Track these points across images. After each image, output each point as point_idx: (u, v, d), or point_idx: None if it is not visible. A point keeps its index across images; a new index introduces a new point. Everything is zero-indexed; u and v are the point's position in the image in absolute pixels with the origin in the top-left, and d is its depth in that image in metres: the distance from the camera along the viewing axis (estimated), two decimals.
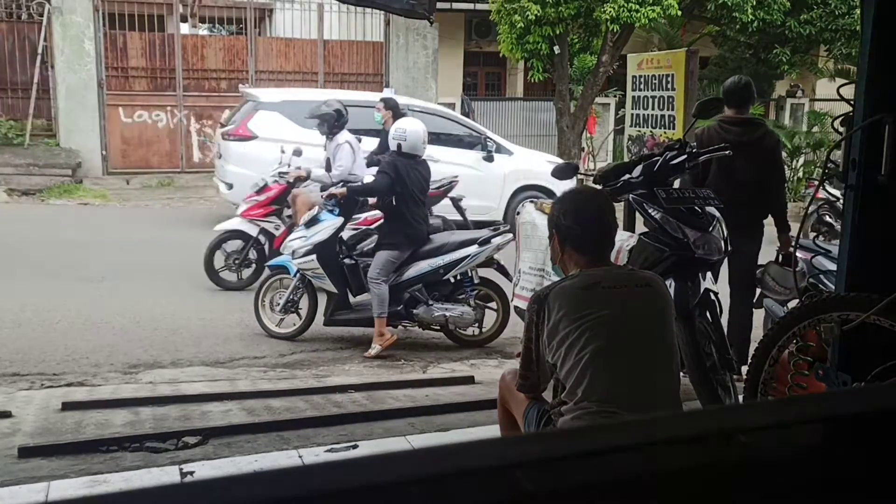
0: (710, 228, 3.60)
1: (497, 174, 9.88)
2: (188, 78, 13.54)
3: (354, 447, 3.52)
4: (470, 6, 16.61)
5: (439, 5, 8.36)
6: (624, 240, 3.84)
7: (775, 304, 4.29)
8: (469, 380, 4.84)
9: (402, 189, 5.20)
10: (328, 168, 6.93)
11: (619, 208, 4.54)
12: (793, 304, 3.82)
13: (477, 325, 5.54)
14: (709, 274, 3.78)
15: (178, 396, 4.25)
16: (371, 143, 7.71)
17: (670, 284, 3.47)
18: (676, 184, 4.02)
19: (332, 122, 6.93)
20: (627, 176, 3.79)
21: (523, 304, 4.10)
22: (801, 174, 13.43)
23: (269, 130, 8.93)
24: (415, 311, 5.37)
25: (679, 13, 13.03)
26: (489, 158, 9.86)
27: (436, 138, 9.78)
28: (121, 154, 13.27)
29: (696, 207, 3.64)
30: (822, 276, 4.02)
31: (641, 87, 5.74)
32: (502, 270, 5.47)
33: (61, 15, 12.60)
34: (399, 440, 3.68)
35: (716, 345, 3.69)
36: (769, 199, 4.54)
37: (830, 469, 0.88)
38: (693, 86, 5.32)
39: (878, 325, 2.44)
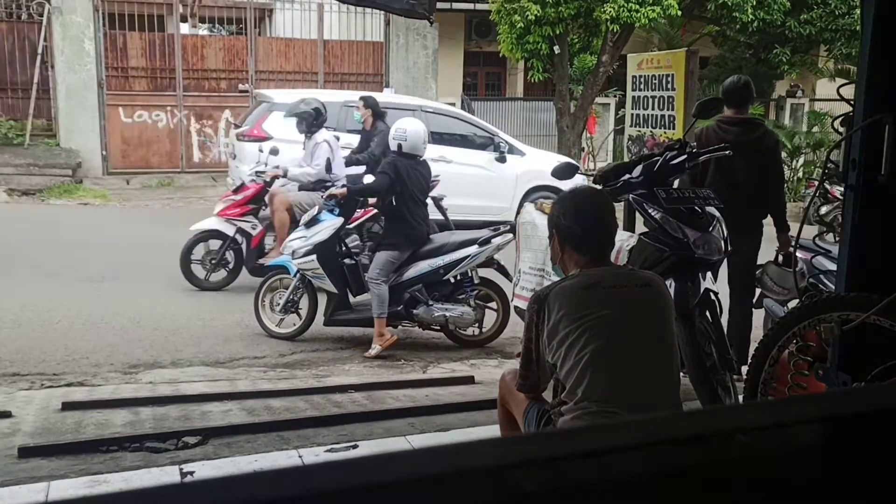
0: (710, 228, 3.60)
1: (509, 175, 9.89)
2: (188, 78, 13.54)
3: (354, 447, 3.52)
4: (470, 6, 16.61)
5: (439, 5, 8.37)
6: (624, 240, 3.84)
7: (775, 304, 4.29)
8: (469, 380, 4.84)
9: (403, 189, 5.20)
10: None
11: (619, 208, 4.54)
12: (793, 304, 3.83)
13: (477, 325, 5.54)
14: (709, 274, 3.78)
15: (178, 396, 4.25)
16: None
17: (670, 284, 3.47)
18: (676, 184, 4.02)
19: (311, 121, 6.88)
20: (627, 176, 3.78)
21: (523, 304, 4.10)
22: (801, 174, 13.44)
23: (283, 131, 8.95)
24: (415, 311, 5.37)
25: (679, 13, 13.03)
26: (502, 159, 9.86)
27: (448, 139, 9.85)
28: (121, 154, 13.27)
29: (696, 207, 3.64)
30: (822, 276, 4.02)
31: (641, 87, 5.74)
32: (502, 270, 5.47)
33: (61, 15, 12.60)
34: (399, 440, 3.68)
35: (716, 345, 3.69)
36: (768, 199, 4.54)
37: (830, 469, 0.88)
38: (693, 86, 5.32)
39: (878, 325, 2.44)
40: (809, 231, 3.06)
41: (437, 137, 9.75)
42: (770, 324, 3.81)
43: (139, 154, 13.37)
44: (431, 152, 9.43)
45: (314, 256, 5.38)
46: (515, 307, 4.68)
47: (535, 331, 2.45)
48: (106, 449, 3.40)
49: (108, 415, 3.94)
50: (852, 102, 2.69)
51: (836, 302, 2.62)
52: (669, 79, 5.39)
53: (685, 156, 3.80)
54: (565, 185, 8.59)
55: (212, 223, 6.76)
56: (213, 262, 6.75)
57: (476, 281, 5.47)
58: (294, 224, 6.73)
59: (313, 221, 5.51)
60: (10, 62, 13.07)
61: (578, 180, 4.61)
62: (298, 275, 5.49)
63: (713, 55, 16.97)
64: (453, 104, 14.30)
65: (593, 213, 2.51)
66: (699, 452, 0.81)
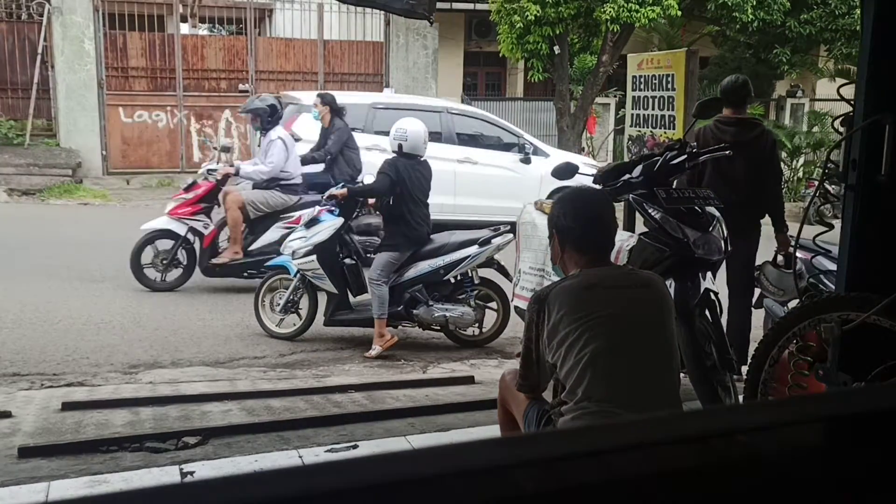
0: (710, 228, 3.60)
1: (534, 176, 9.90)
2: (188, 78, 13.54)
3: (354, 447, 3.52)
4: (470, 6, 16.61)
5: (439, 5, 8.37)
6: (624, 240, 3.84)
7: (775, 304, 4.29)
8: (469, 380, 4.84)
9: (403, 190, 5.20)
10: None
11: (619, 208, 4.54)
12: (793, 303, 3.82)
13: (477, 325, 5.54)
14: (709, 274, 3.78)
15: (178, 396, 4.25)
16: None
17: (670, 284, 3.47)
18: (675, 184, 4.02)
19: (266, 118, 6.76)
20: (627, 176, 3.78)
21: (523, 304, 4.10)
22: (801, 174, 13.43)
23: (313, 132, 8.97)
24: (415, 311, 5.37)
25: (679, 13, 13.03)
26: (526, 160, 9.87)
27: (473, 141, 9.89)
28: (121, 154, 13.27)
29: (696, 207, 3.64)
30: (822, 276, 4.02)
31: (641, 87, 5.74)
32: (502, 271, 5.47)
33: (61, 15, 12.61)
34: (399, 440, 3.68)
35: (716, 345, 3.69)
36: (766, 198, 4.54)
37: (830, 469, 0.88)
38: (693, 86, 5.32)
39: (878, 325, 2.44)
40: (810, 231, 3.04)
41: (463, 139, 9.83)
42: (770, 324, 3.81)
43: (139, 154, 13.38)
44: (457, 153, 9.56)
45: (314, 257, 5.38)
46: (515, 307, 4.68)
47: (535, 331, 2.45)
48: (106, 449, 3.40)
49: (108, 415, 3.94)
50: (852, 102, 2.69)
51: (836, 302, 2.62)
52: (669, 79, 5.39)
53: (685, 156, 3.80)
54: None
55: (162, 223, 6.63)
56: (165, 262, 6.62)
57: (476, 281, 5.47)
58: (247, 223, 6.68)
59: (313, 222, 5.51)
60: (10, 62, 13.07)
61: (579, 180, 4.59)
62: (298, 275, 5.49)
63: (713, 55, 16.97)
64: None
65: (593, 213, 2.51)
66: (699, 452, 0.81)
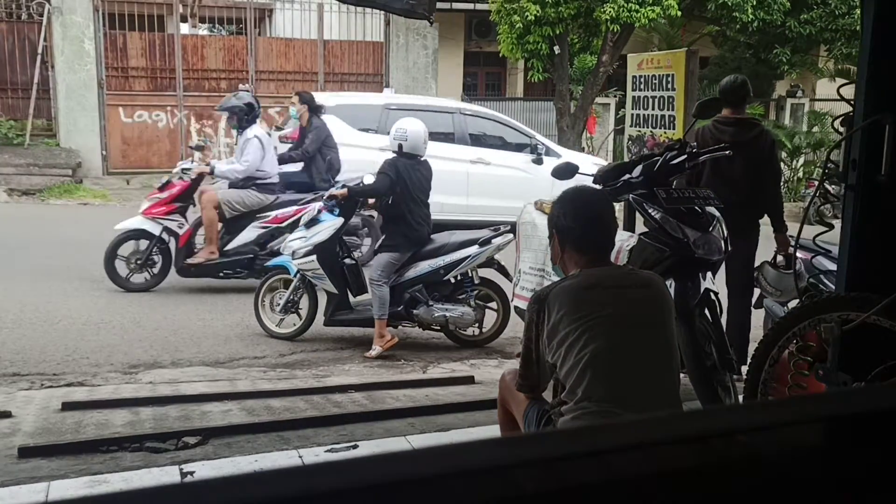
0: (710, 228, 3.60)
1: (546, 177, 9.86)
2: (188, 78, 13.55)
3: (354, 447, 3.52)
4: (470, 6, 16.61)
5: (439, 5, 8.36)
6: (624, 240, 3.84)
7: (775, 304, 4.29)
8: (469, 380, 4.84)
9: (403, 190, 5.20)
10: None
11: (619, 208, 4.54)
12: (793, 303, 3.82)
13: (477, 325, 5.54)
14: (709, 274, 3.78)
15: (178, 396, 4.25)
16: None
17: (670, 284, 3.47)
18: (675, 184, 4.02)
19: (242, 116, 6.69)
20: (627, 176, 3.78)
21: (523, 304, 4.10)
22: (801, 174, 13.43)
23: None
24: (415, 311, 5.37)
25: (679, 13, 13.03)
26: (538, 161, 9.86)
27: (485, 141, 9.93)
28: (121, 154, 13.28)
29: (696, 207, 3.64)
30: (822, 276, 4.02)
31: (641, 87, 5.75)
32: (502, 271, 5.47)
33: (61, 15, 12.61)
34: (399, 440, 3.68)
35: (716, 345, 3.69)
36: (765, 198, 4.54)
37: (830, 469, 0.88)
38: (693, 86, 5.32)
39: (878, 325, 2.44)
40: (810, 231, 3.04)
41: (475, 139, 9.85)
42: (770, 324, 3.80)
43: (139, 154, 13.38)
44: (470, 154, 9.58)
45: (314, 257, 5.38)
46: (515, 307, 4.68)
47: (535, 331, 2.45)
48: (106, 449, 3.40)
49: (108, 415, 3.94)
50: (852, 102, 2.69)
51: (836, 302, 2.62)
52: (669, 79, 5.39)
53: (685, 156, 3.80)
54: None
55: (136, 222, 6.56)
56: (139, 262, 6.56)
57: (476, 281, 5.47)
58: (223, 222, 6.63)
59: (313, 222, 5.51)
60: (10, 62, 13.08)
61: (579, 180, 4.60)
62: (298, 275, 5.49)
63: (713, 55, 16.96)
64: None
65: (593, 213, 2.51)
66: (699, 452, 0.81)
